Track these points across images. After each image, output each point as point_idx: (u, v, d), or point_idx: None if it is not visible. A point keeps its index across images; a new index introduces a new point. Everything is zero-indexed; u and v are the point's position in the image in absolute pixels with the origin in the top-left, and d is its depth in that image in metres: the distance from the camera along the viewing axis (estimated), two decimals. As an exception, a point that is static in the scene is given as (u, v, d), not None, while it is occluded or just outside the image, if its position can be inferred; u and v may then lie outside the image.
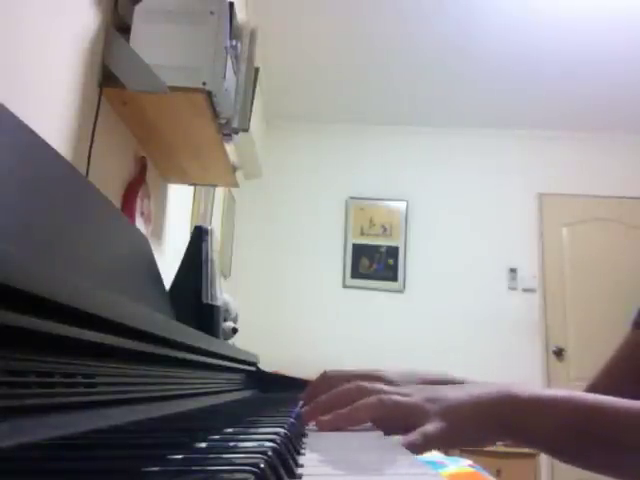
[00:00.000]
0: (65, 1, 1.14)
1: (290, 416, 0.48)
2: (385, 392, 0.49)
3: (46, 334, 0.32)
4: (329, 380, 0.60)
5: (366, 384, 0.51)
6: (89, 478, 0.23)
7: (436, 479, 0.28)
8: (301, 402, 0.64)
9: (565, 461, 0.46)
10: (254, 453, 0.26)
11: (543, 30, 2.80)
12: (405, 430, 0.45)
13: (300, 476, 0.27)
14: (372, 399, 0.47)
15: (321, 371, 0.62)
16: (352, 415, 0.47)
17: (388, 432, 0.46)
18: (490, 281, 3.60)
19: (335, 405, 0.49)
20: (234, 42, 1.44)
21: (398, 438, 0.44)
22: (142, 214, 1.59)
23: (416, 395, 0.49)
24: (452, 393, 0.48)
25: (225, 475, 0.23)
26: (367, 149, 3.86)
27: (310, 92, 3.54)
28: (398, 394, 0.49)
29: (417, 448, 0.43)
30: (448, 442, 0.47)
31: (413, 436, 0.44)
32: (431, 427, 0.45)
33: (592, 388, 0.70)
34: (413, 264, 3.66)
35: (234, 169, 1.79)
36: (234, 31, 1.42)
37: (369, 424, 0.48)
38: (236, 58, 1.48)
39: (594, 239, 3.63)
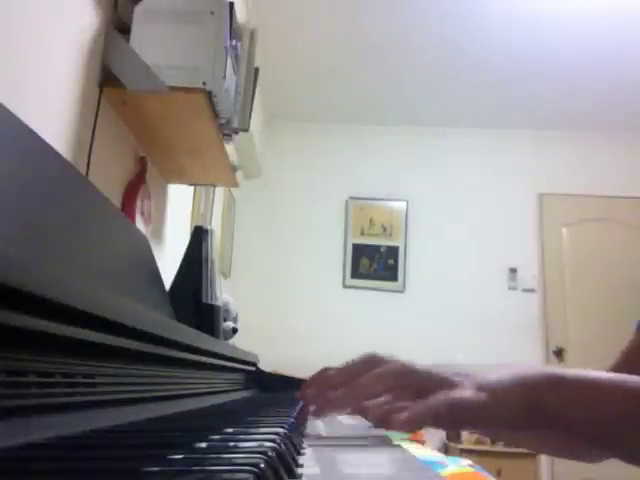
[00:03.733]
0: (65, 1, 1.14)
1: (290, 416, 0.48)
2: (404, 363, 0.43)
3: (46, 334, 0.32)
4: (328, 374, 0.55)
5: (379, 355, 0.45)
6: (89, 478, 0.23)
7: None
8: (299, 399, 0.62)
9: (611, 454, 0.40)
10: (254, 453, 0.26)
11: (543, 30, 2.80)
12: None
13: (300, 476, 0.27)
14: (392, 365, 0.42)
15: (310, 377, 0.58)
16: (367, 385, 0.40)
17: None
18: (490, 281, 3.60)
19: (348, 377, 0.42)
20: (234, 42, 1.44)
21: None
22: (142, 214, 1.59)
23: (444, 369, 0.43)
24: (482, 374, 0.42)
25: (225, 475, 0.23)
26: (367, 149, 3.86)
27: (310, 92, 3.54)
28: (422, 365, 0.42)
29: (438, 416, 0.36)
30: (482, 414, 0.39)
31: (436, 400, 0.37)
32: (463, 393, 0.38)
33: None
34: (413, 264, 3.66)
35: (234, 169, 1.79)
36: (234, 31, 1.42)
37: (370, 424, 0.42)
38: (236, 58, 1.48)
39: (594, 239, 3.63)
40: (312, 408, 0.43)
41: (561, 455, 0.49)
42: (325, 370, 0.57)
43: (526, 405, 0.39)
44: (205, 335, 0.75)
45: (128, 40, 1.29)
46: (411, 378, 0.41)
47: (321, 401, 0.42)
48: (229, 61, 1.36)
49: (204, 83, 1.29)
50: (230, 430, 0.38)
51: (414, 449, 0.43)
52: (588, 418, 0.38)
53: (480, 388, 0.39)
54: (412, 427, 0.36)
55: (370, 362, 0.43)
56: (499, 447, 2.90)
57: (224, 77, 1.32)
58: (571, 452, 0.47)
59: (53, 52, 1.11)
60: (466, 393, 0.38)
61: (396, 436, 0.45)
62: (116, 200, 1.46)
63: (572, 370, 0.41)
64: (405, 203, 3.76)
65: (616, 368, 0.66)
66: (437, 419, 0.36)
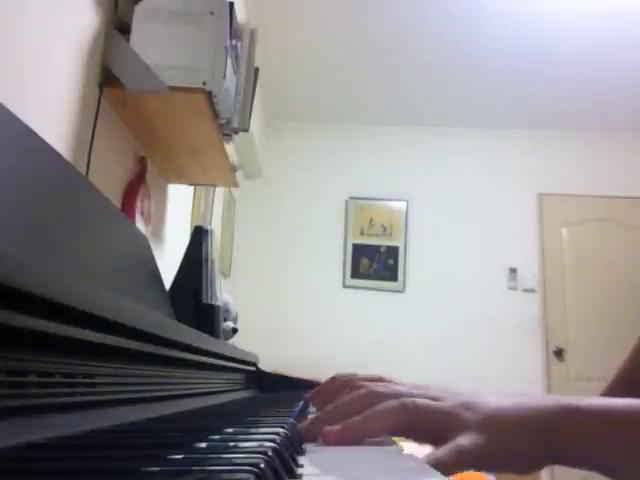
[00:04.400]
0: (65, 1, 1.14)
1: (290, 416, 0.48)
2: (407, 395, 0.40)
3: (46, 334, 0.32)
4: (339, 384, 0.52)
5: (381, 386, 0.42)
6: (89, 478, 0.23)
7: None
8: (304, 402, 0.61)
9: None
10: (254, 453, 0.26)
11: (542, 30, 2.80)
12: (432, 443, 0.38)
13: (300, 476, 0.27)
14: (392, 402, 0.38)
15: (321, 371, 0.58)
16: (367, 423, 0.38)
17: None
18: (490, 281, 3.60)
19: (344, 414, 0.39)
20: (234, 42, 1.44)
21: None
22: (142, 214, 1.59)
23: (448, 399, 0.40)
24: (493, 400, 0.39)
25: (225, 475, 0.23)
26: (367, 149, 3.86)
27: (310, 92, 3.54)
28: (424, 397, 0.40)
29: (447, 467, 0.34)
30: (486, 461, 0.37)
31: (443, 451, 0.35)
32: (466, 440, 0.36)
33: None
34: (413, 264, 3.66)
35: (234, 169, 1.79)
36: (234, 31, 1.42)
37: (383, 438, 0.41)
38: (236, 58, 1.48)
39: (594, 239, 3.63)
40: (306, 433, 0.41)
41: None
42: (333, 381, 0.55)
43: (538, 442, 0.37)
44: (205, 335, 0.75)
45: (128, 40, 1.29)
46: (413, 417, 0.38)
47: (315, 433, 0.40)
48: (229, 61, 1.36)
49: (204, 83, 1.29)
50: (230, 430, 0.38)
51: (414, 449, 0.42)
52: (603, 450, 0.36)
53: (486, 427, 0.37)
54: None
55: (371, 396, 0.41)
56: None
57: (224, 77, 1.32)
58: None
59: (53, 52, 1.11)
60: (471, 439, 0.36)
61: (396, 436, 0.45)
62: (116, 200, 1.46)
63: (582, 399, 0.38)
64: (405, 203, 3.76)
65: (618, 380, 0.65)
66: (444, 471, 0.34)
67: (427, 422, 0.38)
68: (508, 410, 0.38)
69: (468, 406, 0.39)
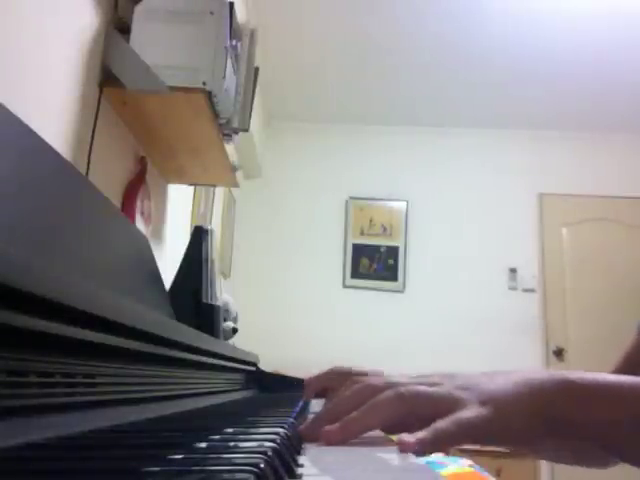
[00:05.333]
0: (65, 1, 1.14)
1: (290, 416, 0.48)
2: (403, 384, 0.40)
3: (46, 334, 0.32)
4: (337, 375, 0.53)
5: (377, 379, 0.41)
6: (89, 478, 0.23)
7: None
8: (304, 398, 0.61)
9: (624, 459, 0.38)
10: (254, 453, 0.26)
11: (543, 30, 2.80)
12: None
13: (300, 476, 0.27)
14: (389, 393, 0.38)
15: (321, 371, 0.58)
16: (366, 418, 0.37)
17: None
18: (490, 281, 3.60)
19: (343, 412, 0.39)
20: (234, 42, 1.44)
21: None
22: (142, 214, 1.59)
23: (445, 384, 0.40)
24: (490, 380, 0.39)
25: (225, 475, 0.23)
26: (367, 149, 3.86)
27: (310, 92, 3.54)
28: (420, 384, 0.40)
29: (446, 437, 0.34)
30: (484, 434, 0.37)
31: (442, 422, 0.35)
32: (467, 413, 0.36)
33: None
34: (413, 264, 3.66)
35: (234, 169, 1.79)
36: (234, 31, 1.42)
37: (381, 433, 0.40)
38: (236, 58, 1.48)
39: (594, 239, 3.63)
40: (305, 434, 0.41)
41: (565, 461, 0.47)
42: (332, 372, 0.55)
43: (536, 416, 0.37)
44: (205, 335, 0.75)
45: (128, 40, 1.29)
46: (411, 405, 0.38)
47: (316, 433, 0.39)
48: (229, 61, 1.36)
49: (204, 83, 1.29)
50: (230, 430, 0.38)
51: None
52: (601, 423, 0.37)
53: (484, 402, 0.37)
54: (425, 451, 0.35)
55: (368, 389, 0.40)
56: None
57: (224, 77, 1.32)
58: (577, 459, 0.46)
59: (53, 52, 1.11)
60: (471, 412, 0.36)
61: (395, 436, 0.45)
62: (116, 200, 1.46)
63: (576, 373, 0.39)
64: (405, 203, 3.76)
65: (618, 369, 0.66)
66: (445, 443, 0.35)
67: (426, 408, 0.38)
68: (507, 386, 0.38)
69: (465, 387, 0.39)
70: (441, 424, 0.35)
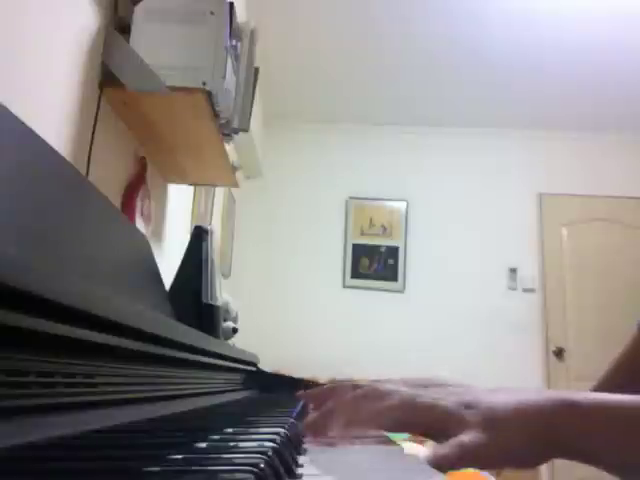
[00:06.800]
0: (65, 1, 1.14)
1: (290, 416, 0.48)
2: (408, 393, 0.40)
3: (46, 334, 0.32)
4: (339, 388, 0.51)
5: (381, 386, 0.42)
6: (89, 478, 0.23)
7: None
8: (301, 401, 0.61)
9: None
10: (254, 453, 0.26)
11: (543, 30, 2.80)
12: (433, 439, 0.38)
13: (300, 476, 0.27)
14: (392, 400, 0.39)
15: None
16: (368, 421, 0.38)
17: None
18: (490, 281, 3.60)
19: (346, 413, 0.40)
20: (234, 42, 1.44)
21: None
22: (142, 214, 1.59)
23: (448, 398, 0.40)
24: (493, 397, 0.40)
25: (225, 475, 0.23)
26: (367, 149, 3.86)
27: (310, 92, 3.54)
28: (424, 395, 0.40)
29: (449, 463, 0.35)
30: (489, 459, 0.37)
31: (446, 448, 0.36)
32: (468, 438, 0.36)
33: (597, 391, 0.67)
34: (413, 264, 3.66)
35: (234, 169, 1.79)
36: (234, 31, 1.42)
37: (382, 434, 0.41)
38: (236, 58, 1.48)
39: (594, 239, 3.63)
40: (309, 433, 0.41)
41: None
42: (334, 389, 0.53)
43: (537, 440, 0.37)
44: (205, 335, 0.75)
45: (128, 40, 1.29)
46: (413, 416, 0.39)
47: (319, 429, 0.40)
48: (229, 61, 1.36)
49: (204, 83, 1.28)
50: (230, 430, 0.38)
51: (414, 449, 0.41)
52: (602, 448, 0.36)
53: (486, 427, 0.37)
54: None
55: (373, 394, 0.41)
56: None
57: (224, 77, 1.32)
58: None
59: (53, 52, 1.11)
60: (473, 437, 0.36)
61: (396, 436, 0.45)
62: (116, 200, 1.46)
63: (581, 394, 0.38)
64: (405, 203, 3.76)
65: (617, 367, 0.66)
66: (445, 469, 0.36)
67: (428, 420, 0.38)
68: (508, 408, 0.38)
69: (468, 404, 0.39)
70: (445, 449, 0.36)
